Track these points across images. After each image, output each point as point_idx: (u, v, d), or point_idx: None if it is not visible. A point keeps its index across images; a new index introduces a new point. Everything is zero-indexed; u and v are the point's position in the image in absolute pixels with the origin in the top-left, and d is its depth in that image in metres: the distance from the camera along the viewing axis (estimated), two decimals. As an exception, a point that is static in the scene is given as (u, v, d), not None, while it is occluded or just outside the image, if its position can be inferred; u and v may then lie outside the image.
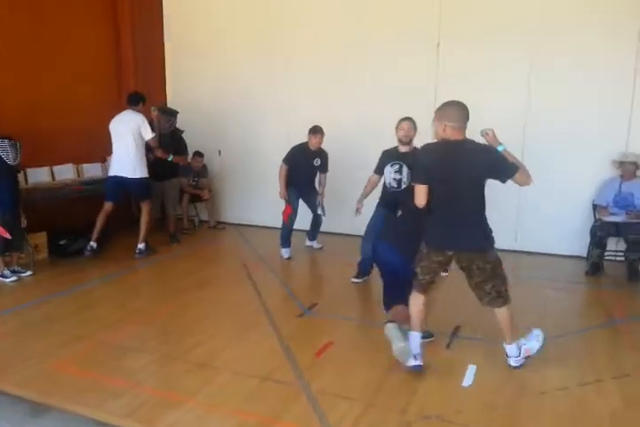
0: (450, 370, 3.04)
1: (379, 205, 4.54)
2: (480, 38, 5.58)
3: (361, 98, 6.19)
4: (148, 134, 5.30)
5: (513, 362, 3.04)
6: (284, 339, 3.45)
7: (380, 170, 4.50)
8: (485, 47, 5.57)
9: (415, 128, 4.26)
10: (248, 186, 7.00)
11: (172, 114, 5.87)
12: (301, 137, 5.44)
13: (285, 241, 5.53)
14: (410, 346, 2.98)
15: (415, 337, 3.01)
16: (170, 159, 5.73)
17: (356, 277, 4.69)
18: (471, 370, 3.01)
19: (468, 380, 2.91)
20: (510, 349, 3.04)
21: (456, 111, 2.85)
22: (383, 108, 5.88)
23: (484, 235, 2.89)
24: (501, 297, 2.94)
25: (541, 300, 4.30)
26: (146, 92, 5.68)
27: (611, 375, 2.94)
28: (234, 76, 6.84)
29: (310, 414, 2.57)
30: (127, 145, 5.26)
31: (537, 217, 5.62)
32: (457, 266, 2.99)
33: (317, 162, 5.43)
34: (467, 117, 2.87)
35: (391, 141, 4.44)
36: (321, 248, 5.84)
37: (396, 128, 4.28)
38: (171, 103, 6.98)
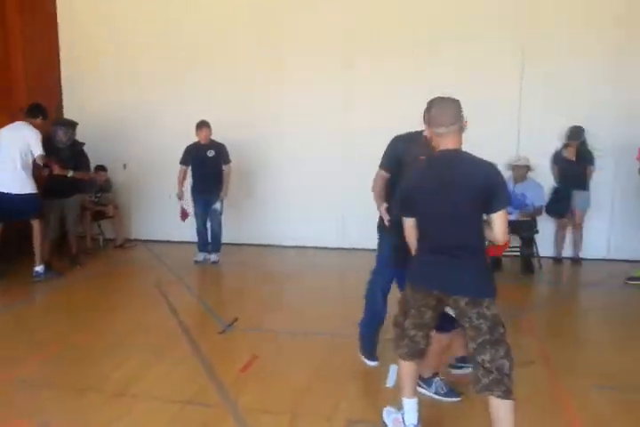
0: (372, 372, 3.11)
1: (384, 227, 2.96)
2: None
3: (264, 109, 6.26)
4: (37, 151, 4.93)
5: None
6: (205, 358, 3.34)
7: (392, 162, 2.94)
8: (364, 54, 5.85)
9: None
10: (156, 200, 6.74)
11: (71, 126, 5.49)
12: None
13: (200, 245, 5.74)
14: (404, 417, 2.42)
15: (412, 405, 2.42)
16: (69, 175, 5.36)
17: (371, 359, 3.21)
18: (393, 370, 3.08)
19: (391, 380, 2.98)
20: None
21: (435, 113, 2.20)
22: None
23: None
24: (505, 380, 2.13)
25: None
26: (39, 101, 5.29)
27: (516, 364, 3.14)
28: (137, 86, 6.60)
29: (238, 434, 2.51)
30: (15, 159, 4.88)
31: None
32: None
33: (211, 153, 5.55)
34: (455, 118, 2.17)
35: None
36: (216, 262, 5.73)
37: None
38: (69, 116, 6.57)
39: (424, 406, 2.53)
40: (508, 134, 5.75)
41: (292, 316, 4.10)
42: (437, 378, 2.85)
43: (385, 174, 3.01)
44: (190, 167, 5.65)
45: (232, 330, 3.84)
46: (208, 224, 5.73)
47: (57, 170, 5.22)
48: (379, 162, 3.03)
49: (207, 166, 5.57)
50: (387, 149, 3.03)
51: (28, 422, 2.64)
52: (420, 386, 2.77)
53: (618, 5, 5.42)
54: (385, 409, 2.60)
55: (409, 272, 2.34)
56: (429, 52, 5.78)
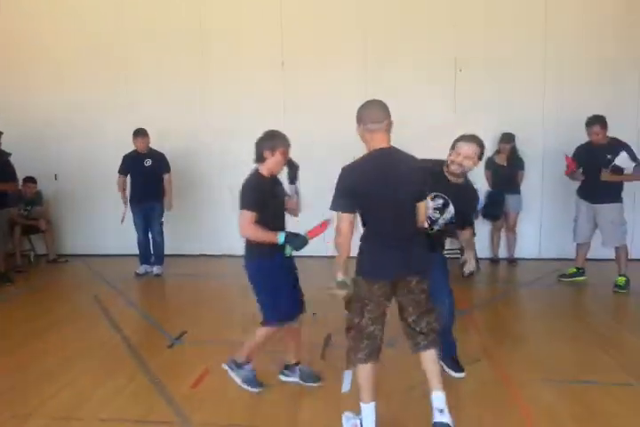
0: (328, 379, 3.11)
1: None
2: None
3: (205, 105, 6.18)
4: None
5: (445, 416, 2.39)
6: (153, 374, 3.22)
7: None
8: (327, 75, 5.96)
9: (480, 155, 2.93)
10: (90, 212, 6.46)
11: None
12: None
13: (141, 257, 5.61)
14: (362, 422, 2.47)
15: (370, 409, 2.46)
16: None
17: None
18: (347, 375, 3.10)
19: (346, 386, 2.99)
20: (443, 398, 2.43)
21: (372, 110, 2.35)
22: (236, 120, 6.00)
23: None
24: (436, 335, 2.50)
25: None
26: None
27: (466, 362, 3.26)
28: (66, 92, 6.30)
29: (196, 452, 2.43)
30: None
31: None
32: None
33: (148, 162, 5.45)
34: (385, 116, 2.34)
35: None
36: (159, 275, 5.59)
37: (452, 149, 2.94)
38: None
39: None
40: (441, 142, 5.95)
41: (242, 327, 4.02)
42: (248, 367, 3.01)
43: None
44: (130, 176, 5.49)
45: (181, 343, 3.73)
46: (149, 235, 5.55)
47: None
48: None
49: (145, 176, 5.43)
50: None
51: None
52: (231, 369, 2.99)
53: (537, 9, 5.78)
54: (343, 415, 2.62)
55: (362, 269, 2.39)
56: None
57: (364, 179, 2.34)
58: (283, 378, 3.12)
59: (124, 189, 5.48)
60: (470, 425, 2.60)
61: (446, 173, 2.95)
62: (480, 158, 2.96)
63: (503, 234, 5.98)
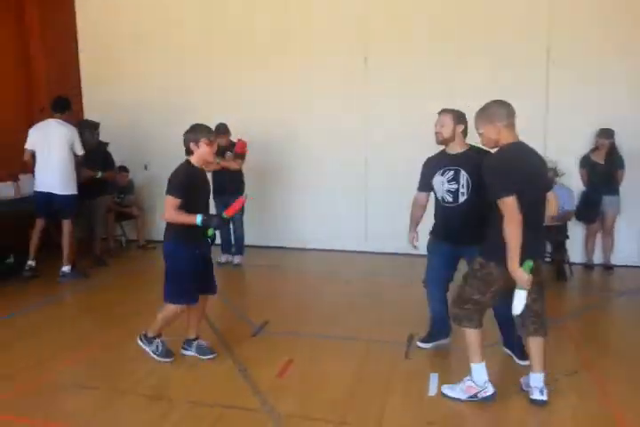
0: (413, 380, 3.03)
1: (434, 235, 3.36)
2: (404, 62, 5.82)
3: (286, 101, 6.19)
4: (80, 150, 4.99)
5: (544, 395, 2.68)
6: (239, 362, 3.29)
7: (426, 185, 3.33)
8: (407, 76, 5.81)
9: (459, 121, 3.17)
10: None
11: (95, 127, 5.53)
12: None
13: (222, 247, 5.65)
14: (475, 380, 2.75)
15: (482, 366, 2.76)
16: (99, 176, 5.37)
17: (424, 342, 3.49)
18: (433, 379, 3.02)
19: (432, 389, 2.92)
20: (542, 378, 2.71)
21: (505, 109, 2.58)
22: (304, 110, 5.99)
23: None
24: (544, 322, 2.75)
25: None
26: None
27: (563, 373, 3.06)
28: (155, 85, 6.55)
29: (282, 441, 2.44)
30: (61, 159, 4.92)
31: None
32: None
33: (229, 154, 5.41)
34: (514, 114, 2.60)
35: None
36: (239, 264, 5.68)
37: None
38: (88, 116, 6.56)
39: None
40: (535, 137, 5.63)
41: (324, 319, 4.02)
42: (159, 340, 3.29)
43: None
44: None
45: (263, 333, 3.78)
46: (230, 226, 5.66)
47: (87, 171, 5.24)
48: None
49: (228, 170, 5.46)
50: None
51: (65, 424, 2.59)
52: (142, 342, 3.27)
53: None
54: (444, 388, 2.83)
55: (497, 253, 2.53)
56: (456, 51, 5.71)
57: (522, 167, 2.54)
58: (183, 352, 3.36)
59: None
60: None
61: (445, 149, 3.27)
62: (465, 133, 3.19)
63: (599, 238, 5.57)
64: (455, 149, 3.20)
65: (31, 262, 5.04)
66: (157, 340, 3.28)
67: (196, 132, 3.09)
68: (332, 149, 6.12)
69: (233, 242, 5.75)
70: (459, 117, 3.18)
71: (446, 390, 2.83)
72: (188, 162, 3.12)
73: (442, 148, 3.31)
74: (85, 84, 6.87)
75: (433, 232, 3.38)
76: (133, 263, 5.98)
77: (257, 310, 4.33)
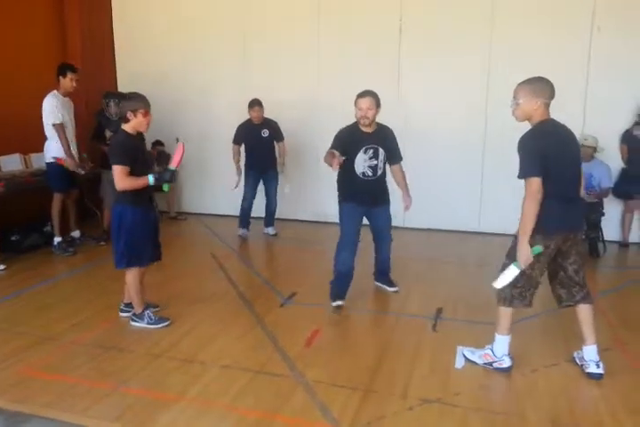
0: (440, 353, 3.06)
1: (347, 200, 3.71)
2: (442, 23, 5.63)
3: (321, 76, 6.12)
4: (48, 120, 4.92)
5: (600, 368, 2.72)
6: (269, 329, 3.36)
7: (340, 149, 3.54)
8: (446, 33, 5.62)
9: (378, 104, 3.56)
10: (206, 173, 6.78)
11: (122, 97, 5.45)
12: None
13: (241, 222, 5.66)
14: (494, 350, 2.84)
15: (507, 339, 2.83)
16: None
17: (336, 301, 3.73)
18: (460, 352, 3.04)
19: (459, 362, 2.94)
20: (596, 351, 2.77)
21: (550, 88, 2.61)
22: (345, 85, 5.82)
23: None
24: (589, 290, 2.80)
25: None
26: (94, 76, 5.33)
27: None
28: (187, 59, 6.56)
29: (310, 406, 2.50)
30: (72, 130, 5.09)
31: (496, 198, 5.73)
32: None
33: (265, 133, 5.43)
34: (554, 96, 2.64)
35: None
36: (276, 235, 5.77)
37: (355, 106, 3.57)
38: (121, 88, 6.64)
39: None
40: (574, 112, 5.46)
41: (354, 293, 4.04)
42: (147, 311, 3.40)
43: None
44: (243, 146, 5.56)
45: (292, 304, 3.84)
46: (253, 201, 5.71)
47: None
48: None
49: (262, 145, 5.46)
50: None
51: (106, 384, 2.71)
52: (135, 321, 3.40)
53: None
54: (464, 350, 2.96)
55: (544, 225, 2.56)
56: (498, 26, 5.50)
57: (557, 143, 2.60)
58: (121, 314, 3.53)
59: (238, 159, 5.55)
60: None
61: (361, 129, 3.59)
62: (378, 106, 3.54)
63: (637, 216, 5.41)
64: (371, 127, 3.61)
65: (75, 232, 5.33)
66: (145, 311, 3.40)
67: (134, 101, 3.16)
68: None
69: (265, 214, 5.79)
70: (379, 101, 3.56)
71: (466, 352, 2.96)
72: (123, 131, 3.20)
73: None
74: (119, 56, 6.92)
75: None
76: (165, 234, 6.02)
77: (285, 281, 4.37)
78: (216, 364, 2.92)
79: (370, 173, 3.67)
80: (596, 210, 5.06)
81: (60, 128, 4.88)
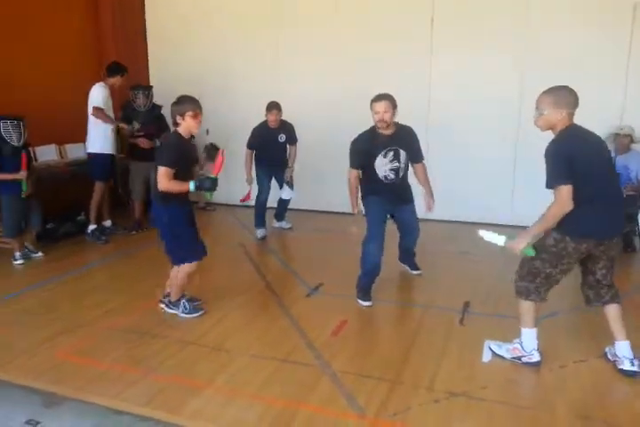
0: (467, 346, 3.03)
1: (371, 195, 3.73)
2: (474, 18, 5.51)
3: (349, 72, 6.05)
4: (92, 103, 5.09)
5: (635, 366, 2.66)
6: (295, 320, 3.39)
7: (360, 164, 3.65)
8: (478, 29, 5.50)
9: (394, 106, 3.53)
10: (235, 165, 6.81)
11: (149, 89, 5.55)
12: (288, 113, 5.33)
13: (258, 219, 5.43)
14: (523, 345, 2.81)
15: (534, 333, 2.81)
16: (156, 145, 5.45)
17: (365, 300, 3.65)
18: (487, 346, 3.00)
19: (486, 355, 2.91)
20: (629, 347, 2.72)
21: (574, 98, 2.60)
22: (373, 81, 5.76)
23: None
24: (617, 290, 2.80)
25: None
26: (127, 66, 5.41)
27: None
28: (220, 51, 6.60)
29: (336, 395, 2.52)
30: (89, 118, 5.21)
31: (531, 191, 5.59)
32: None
33: (282, 138, 5.27)
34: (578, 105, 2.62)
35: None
36: (291, 228, 5.72)
37: (371, 110, 3.55)
38: (153, 78, 6.75)
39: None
40: (613, 102, 5.29)
41: (381, 284, 4.02)
42: (183, 300, 3.46)
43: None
44: (257, 149, 5.31)
45: (318, 294, 3.86)
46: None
47: (145, 144, 5.36)
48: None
49: (279, 150, 5.33)
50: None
51: (137, 370, 2.79)
52: (170, 308, 3.47)
53: None
54: (491, 344, 2.93)
55: (576, 229, 2.55)
56: (532, 23, 5.35)
57: (583, 144, 2.56)
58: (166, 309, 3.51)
59: (250, 164, 5.33)
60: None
61: (380, 131, 3.59)
62: (395, 107, 3.52)
63: (675, 210, 5.22)
64: (390, 129, 3.59)
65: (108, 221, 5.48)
66: (182, 300, 3.45)
67: (181, 104, 3.17)
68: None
69: (278, 209, 5.73)
70: (395, 103, 3.54)
71: (493, 346, 2.93)
72: (176, 132, 3.20)
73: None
74: (152, 46, 6.99)
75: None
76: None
77: (311, 271, 4.36)
78: (243, 353, 2.96)
79: (392, 176, 3.69)
80: (633, 203, 4.90)
81: (101, 112, 5.06)
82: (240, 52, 6.54)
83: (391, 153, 3.62)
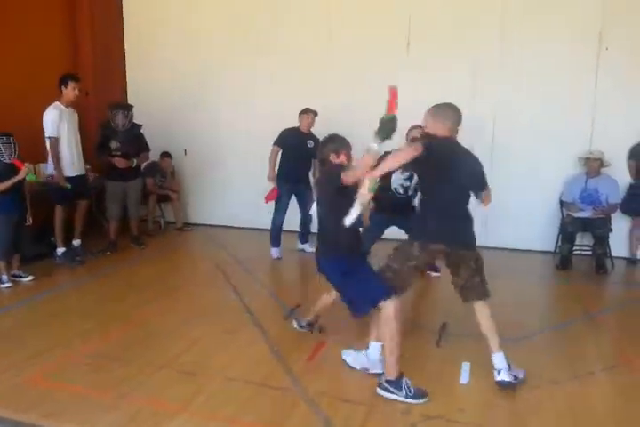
0: (445, 368, 3.03)
1: (378, 208, 4.25)
2: (446, 35, 5.68)
3: (333, 87, 6.07)
4: (46, 133, 4.99)
5: (505, 376, 2.74)
6: (272, 342, 3.35)
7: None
8: (452, 44, 5.67)
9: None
10: (215, 186, 6.81)
11: (128, 108, 5.48)
12: (263, 134, 5.37)
13: (274, 240, 5.32)
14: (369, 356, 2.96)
15: (378, 346, 2.93)
16: (134, 165, 5.47)
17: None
18: (466, 367, 3.01)
19: (464, 377, 2.91)
20: (500, 358, 2.80)
21: (455, 114, 2.78)
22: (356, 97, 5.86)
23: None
24: (486, 287, 2.92)
25: (516, 294, 4.36)
26: (105, 87, 5.38)
27: (599, 367, 3.01)
28: (198, 71, 6.63)
29: (313, 420, 2.49)
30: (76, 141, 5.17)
31: (505, 213, 5.72)
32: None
33: (311, 144, 5.02)
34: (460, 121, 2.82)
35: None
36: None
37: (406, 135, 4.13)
38: (131, 100, 6.73)
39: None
40: (582, 127, 5.48)
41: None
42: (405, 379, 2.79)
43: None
44: (282, 153, 5.20)
45: (295, 316, 3.82)
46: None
47: (121, 164, 5.33)
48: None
49: (304, 156, 5.08)
50: None
51: (110, 394, 2.71)
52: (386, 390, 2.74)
53: None
54: (345, 352, 3.06)
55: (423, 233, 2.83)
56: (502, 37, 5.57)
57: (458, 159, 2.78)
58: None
59: (274, 162, 5.17)
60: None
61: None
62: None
63: (644, 232, 5.38)
64: None
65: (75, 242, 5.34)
66: (402, 379, 2.70)
67: (336, 142, 3.00)
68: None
69: (301, 229, 5.61)
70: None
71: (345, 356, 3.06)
72: (338, 165, 2.94)
73: None
74: (130, 68, 7.00)
75: None
76: (170, 244, 6.10)
77: (290, 293, 4.40)
78: (219, 376, 2.91)
79: (400, 191, 4.29)
80: (603, 226, 5.04)
81: (53, 142, 4.93)
82: (218, 72, 6.56)
83: (407, 173, 4.12)
